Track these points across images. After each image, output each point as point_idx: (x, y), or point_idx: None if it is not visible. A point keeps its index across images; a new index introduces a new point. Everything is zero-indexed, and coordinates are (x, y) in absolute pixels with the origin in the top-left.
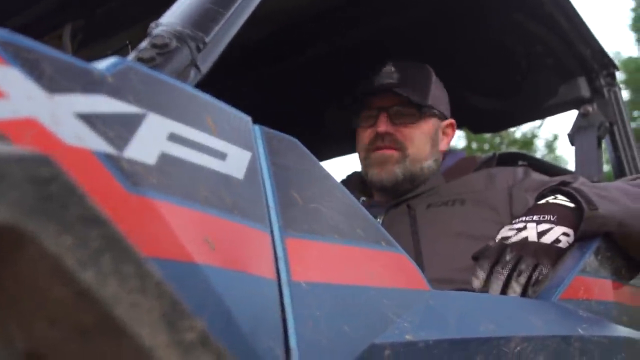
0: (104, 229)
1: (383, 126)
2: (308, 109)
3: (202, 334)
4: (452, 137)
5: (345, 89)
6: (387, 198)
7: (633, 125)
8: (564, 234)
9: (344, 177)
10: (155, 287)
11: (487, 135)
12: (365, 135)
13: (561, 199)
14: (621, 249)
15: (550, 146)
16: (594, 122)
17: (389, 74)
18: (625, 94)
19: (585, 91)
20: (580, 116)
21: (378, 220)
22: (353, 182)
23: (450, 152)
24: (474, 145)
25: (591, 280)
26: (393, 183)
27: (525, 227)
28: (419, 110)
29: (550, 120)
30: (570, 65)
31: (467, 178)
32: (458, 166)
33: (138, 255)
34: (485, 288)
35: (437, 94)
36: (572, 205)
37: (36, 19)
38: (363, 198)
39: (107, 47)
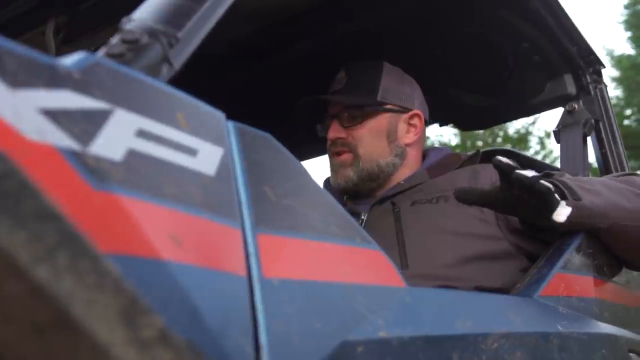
0: (59, 225)
1: (331, 132)
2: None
3: (161, 330)
4: (421, 128)
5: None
6: (362, 198)
7: (626, 122)
8: None
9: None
10: (112, 283)
11: (480, 133)
12: (327, 144)
13: None
14: (603, 246)
15: (543, 143)
16: (579, 119)
17: (340, 80)
18: (618, 92)
19: (571, 88)
20: (566, 113)
21: (362, 217)
22: None
23: (434, 148)
24: (468, 143)
25: (572, 277)
26: (350, 185)
27: None
28: (366, 108)
29: (544, 117)
30: (556, 62)
31: (451, 175)
32: (442, 163)
33: (95, 251)
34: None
35: (392, 88)
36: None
37: (18, 15)
38: (347, 196)
39: (91, 43)
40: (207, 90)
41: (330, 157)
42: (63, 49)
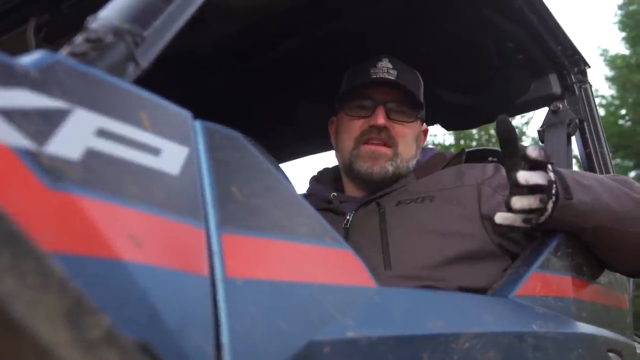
0: (1, 225)
1: (382, 120)
2: (281, 106)
3: (108, 331)
4: (423, 143)
5: (317, 85)
6: (362, 192)
7: (621, 122)
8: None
9: (315, 173)
10: (56, 283)
11: (474, 132)
12: (356, 126)
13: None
14: (583, 246)
15: (538, 143)
16: (564, 119)
17: (387, 69)
18: (613, 91)
19: (556, 88)
20: (550, 113)
21: (347, 218)
22: (325, 178)
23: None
24: (462, 143)
25: (550, 277)
26: (382, 178)
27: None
28: (413, 110)
29: (539, 118)
30: (541, 61)
31: (436, 175)
32: (428, 163)
33: (39, 251)
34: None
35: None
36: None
37: None
38: (334, 193)
39: None
40: (190, 90)
41: (360, 142)
42: (44, 47)
